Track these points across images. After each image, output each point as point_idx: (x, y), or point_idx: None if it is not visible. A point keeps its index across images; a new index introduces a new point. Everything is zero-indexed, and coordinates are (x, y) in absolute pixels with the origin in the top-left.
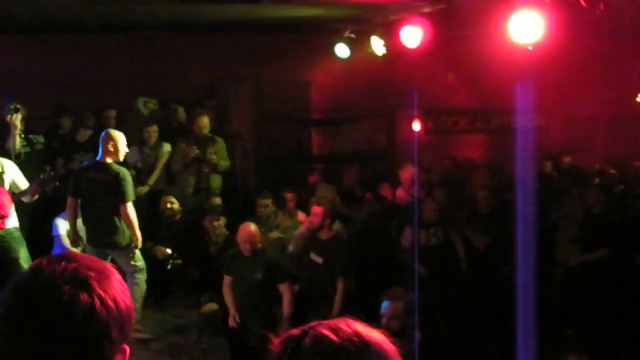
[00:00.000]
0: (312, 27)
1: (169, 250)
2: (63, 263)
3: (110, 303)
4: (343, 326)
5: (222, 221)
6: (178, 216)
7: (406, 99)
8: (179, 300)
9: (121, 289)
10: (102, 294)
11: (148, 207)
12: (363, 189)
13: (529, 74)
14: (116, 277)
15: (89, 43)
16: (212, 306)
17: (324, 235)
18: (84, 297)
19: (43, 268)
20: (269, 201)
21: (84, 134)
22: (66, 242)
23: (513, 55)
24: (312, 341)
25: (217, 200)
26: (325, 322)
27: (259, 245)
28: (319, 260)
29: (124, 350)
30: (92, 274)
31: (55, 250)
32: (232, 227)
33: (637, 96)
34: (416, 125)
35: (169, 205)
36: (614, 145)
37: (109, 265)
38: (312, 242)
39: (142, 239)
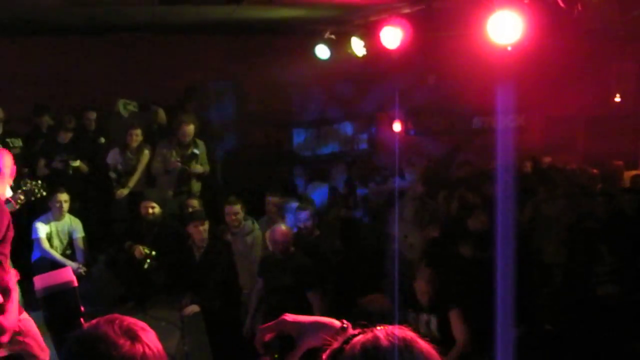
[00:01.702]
0: (293, 28)
1: (147, 250)
2: (117, 321)
3: (155, 350)
4: (397, 333)
5: (207, 225)
6: (159, 220)
7: (387, 100)
8: (160, 301)
9: (157, 339)
10: (149, 343)
11: (129, 208)
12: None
13: (508, 75)
14: (152, 330)
15: (69, 45)
16: (194, 308)
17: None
18: (138, 347)
19: (101, 324)
20: (237, 207)
21: (65, 136)
22: (45, 245)
23: (492, 55)
24: (366, 340)
25: (195, 203)
26: (385, 326)
27: (292, 248)
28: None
29: None
30: (139, 329)
31: (35, 254)
32: (212, 231)
33: (615, 96)
34: (397, 126)
35: (150, 211)
36: (594, 145)
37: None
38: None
39: (123, 239)
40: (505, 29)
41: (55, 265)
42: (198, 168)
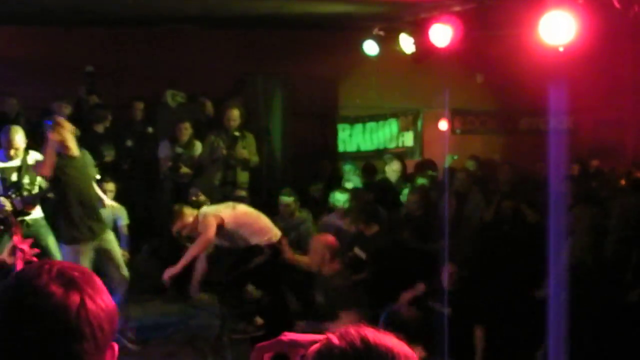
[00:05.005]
0: (341, 24)
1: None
2: (47, 266)
3: (99, 302)
4: (352, 331)
5: None
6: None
7: (434, 98)
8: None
9: (104, 289)
10: (91, 293)
11: (175, 197)
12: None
13: (559, 76)
14: (97, 277)
15: (120, 35)
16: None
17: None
18: (74, 296)
19: (29, 271)
20: (289, 199)
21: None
22: None
23: (544, 56)
24: (320, 345)
25: (243, 193)
26: (344, 328)
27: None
28: (363, 255)
29: (113, 348)
30: (77, 274)
31: None
32: None
33: None
34: (443, 125)
35: (194, 198)
36: None
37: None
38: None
39: (167, 229)
40: (558, 29)
41: None
42: (244, 153)
